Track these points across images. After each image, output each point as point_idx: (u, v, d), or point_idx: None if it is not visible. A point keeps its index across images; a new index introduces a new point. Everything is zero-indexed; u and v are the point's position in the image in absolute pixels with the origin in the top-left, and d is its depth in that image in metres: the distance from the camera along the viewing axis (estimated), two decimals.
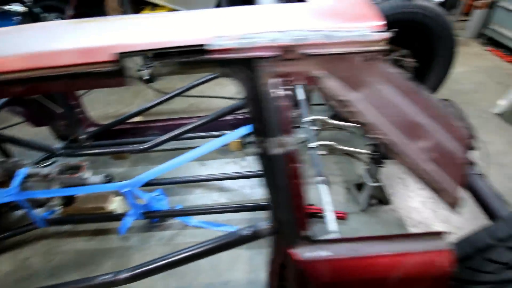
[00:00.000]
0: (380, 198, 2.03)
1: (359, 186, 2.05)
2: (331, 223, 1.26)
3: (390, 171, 2.21)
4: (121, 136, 2.59)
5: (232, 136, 1.58)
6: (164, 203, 2.11)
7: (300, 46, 0.58)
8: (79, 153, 2.47)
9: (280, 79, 0.60)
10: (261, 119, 0.61)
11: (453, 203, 0.74)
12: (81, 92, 2.65)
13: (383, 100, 0.70)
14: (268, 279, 0.88)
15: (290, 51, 0.59)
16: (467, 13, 3.99)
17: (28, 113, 2.32)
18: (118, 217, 1.97)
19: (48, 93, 2.15)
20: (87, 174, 1.90)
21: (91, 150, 2.50)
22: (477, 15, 3.81)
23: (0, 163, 1.91)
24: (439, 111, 0.84)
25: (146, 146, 2.07)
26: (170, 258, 0.91)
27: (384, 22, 0.58)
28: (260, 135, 0.64)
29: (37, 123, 2.44)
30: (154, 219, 2.09)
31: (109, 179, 1.96)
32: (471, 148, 1.50)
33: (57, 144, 2.43)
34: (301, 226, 0.71)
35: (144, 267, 0.92)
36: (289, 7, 0.68)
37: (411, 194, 2.12)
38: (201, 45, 0.59)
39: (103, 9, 3.62)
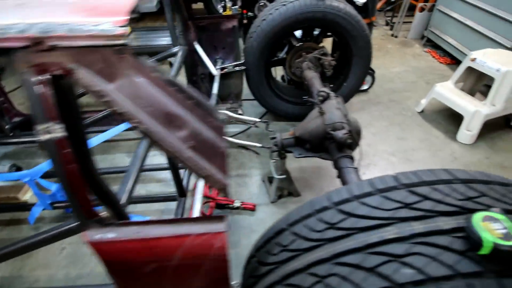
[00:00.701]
0: (290, 190, 2.12)
1: (271, 179, 2.14)
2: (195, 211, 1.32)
3: (311, 165, 2.31)
4: None
5: (120, 128, 1.61)
6: None
7: (48, 38, 0.63)
8: (4, 142, 2.45)
9: (37, 69, 0.64)
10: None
11: (221, 189, 0.82)
12: (3, 82, 2.59)
13: (137, 91, 0.76)
14: None
15: (39, 42, 0.63)
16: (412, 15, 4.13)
17: None
18: (29, 207, 1.98)
19: None
20: None
21: (15, 139, 2.48)
22: (419, 17, 3.97)
23: None
24: (197, 104, 0.91)
25: None
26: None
27: (127, 18, 0.63)
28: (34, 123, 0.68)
29: None
30: (68, 209, 2.11)
31: (16, 169, 1.97)
32: (352, 144, 1.60)
33: None
34: (87, 211, 0.77)
35: None
36: (48, 1, 0.72)
37: (324, 185, 2.23)
38: None
39: None
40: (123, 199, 1.02)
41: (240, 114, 2.66)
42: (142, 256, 0.79)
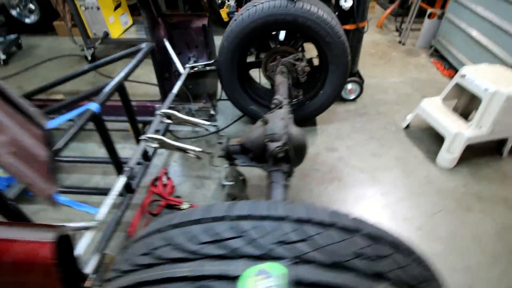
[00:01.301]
0: (241, 198, 2.06)
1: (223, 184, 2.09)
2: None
3: None
4: None
5: (65, 118, 1.62)
6: None
7: None
8: None
9: None
10: None
11: (44, 197, 0.79)
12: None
13: None
14: None
15: None
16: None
17: None
18: None
19: None
20: None
21: None
22: (428, 24, 3.70)
23: None
24: (18, 110, 0.87)
25: None
26: None
27: None
28: None
29: None
30: (29, 192, 2.18)
31: None
32: (287, 159, 1.51)
33: None
34: None
35: None
36: None
37: None
38: None
39: None
40: None
41: (211, 115, 2.63)
42: None
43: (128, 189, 1.94)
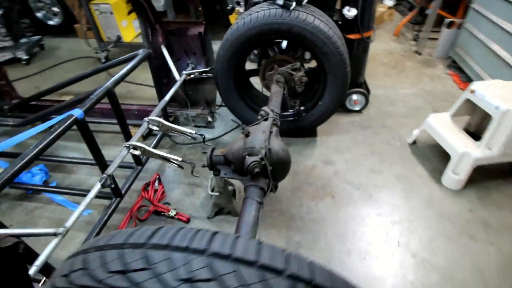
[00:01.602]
0: (228, 209, 2.02)
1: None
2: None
3: None
4: (40, 110, 2.80)
5: (47, 125, 1.66)
6: (38, 178, 2.27)
7: None
8: (2, 121, 2.70)
9: None
10: None
11: None
12: (5, 67, 2.87)
13: None
14: None
15: None
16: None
17: None
18: None
19: None
20: None
21: (12, 119, 2.73)
22: (447, 34, 3.50)
23: None
24: None
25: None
26: None
27: None
28: None
29: None
30: (29, 190, 2.26)
31: None
32: (264, 174, 1.45)
33: None
34: None
35: None
36: None
37: (267, 209, 2.08)
38: None
39: None
40: None
41: (209, 122, 2.62)
42: None
43: (116, 193, 1.96)
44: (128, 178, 2.13)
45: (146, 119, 1.82)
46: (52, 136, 1.38)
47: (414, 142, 2.51)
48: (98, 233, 1.79)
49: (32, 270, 1.10)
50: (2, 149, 1.85)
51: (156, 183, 2.28)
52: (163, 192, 2.21)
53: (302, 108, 2.41)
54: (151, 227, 0.69)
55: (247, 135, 1.55)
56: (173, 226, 0.69)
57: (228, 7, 3.54)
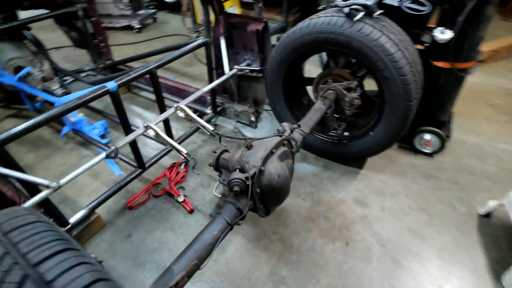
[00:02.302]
0: None
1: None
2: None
3: None
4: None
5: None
6: (96, 131, 2.62)
7: None
8: (93, 80, 3.24)
9: None
10: None
11: None
12: (107, 32, 3.35)
13: None
14: None
15: None
16: None
17: (74, 39, 3.22)
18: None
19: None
20: (53, 85, 2.59)
21: (102, 77, 3.24)
22: None
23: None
24: None
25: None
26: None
27: None
28: None
29: (79, 46, 3.34)
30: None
31: (64, 92, 2.60)
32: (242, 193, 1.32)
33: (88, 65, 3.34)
34: None
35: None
36: None
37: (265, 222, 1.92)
38: None
39: None
40: None
41: (251, 121, 2.55)
42: None
43: (139, 164, 2.11)
44: (158, 154, 2.27)
45: (175, 105, 1.87)
46: (84, 100, 1.55)
47: (487, 215, 1.92)
48: (113, 194, 1.97)
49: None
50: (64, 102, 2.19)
51: (182, 166, 2.36)
52: (183, 176, 2.28)
53: (346, 133, 2.10)
54: None
55: (248, 148, 1.43)
56: None
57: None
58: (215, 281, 1.65)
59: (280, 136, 1.50)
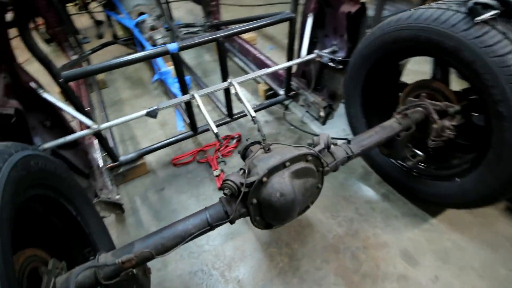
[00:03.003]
0: None
1: None
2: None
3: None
4: None
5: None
6: (176, 85, 2.80)
7: None
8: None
9: None
10: None
11: None
12: None
13: None
14: None
15: None
16: None
17: None
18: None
19: None
20: (157, 34, 2.85)
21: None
22: None
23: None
24: None
25: None
26: None
27: None
28: None
29: (195, 1, 3.57)
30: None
31: (164, 42, 2.85)
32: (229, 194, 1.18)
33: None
34: None
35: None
36: None
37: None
38: None
39: None
40: None
41: (320, 116, 2.26)
42: None
43: (192, 128, 2.17)
44: (215, 122, 2.27)
45: (229, 80, 1.77)
46: (142, 55, 1.63)
47: None
48: (162, 147, 2.12)
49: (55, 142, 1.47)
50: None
51: (234, 141, 2.32)
52: (230, 152, 2.25)
53: (421, 165, 1.60)
54: None
55: (265, 151, 1.23)
56: None
57: None
58: (208, 265, 1.62)
59: (309, 148, 1.23)
